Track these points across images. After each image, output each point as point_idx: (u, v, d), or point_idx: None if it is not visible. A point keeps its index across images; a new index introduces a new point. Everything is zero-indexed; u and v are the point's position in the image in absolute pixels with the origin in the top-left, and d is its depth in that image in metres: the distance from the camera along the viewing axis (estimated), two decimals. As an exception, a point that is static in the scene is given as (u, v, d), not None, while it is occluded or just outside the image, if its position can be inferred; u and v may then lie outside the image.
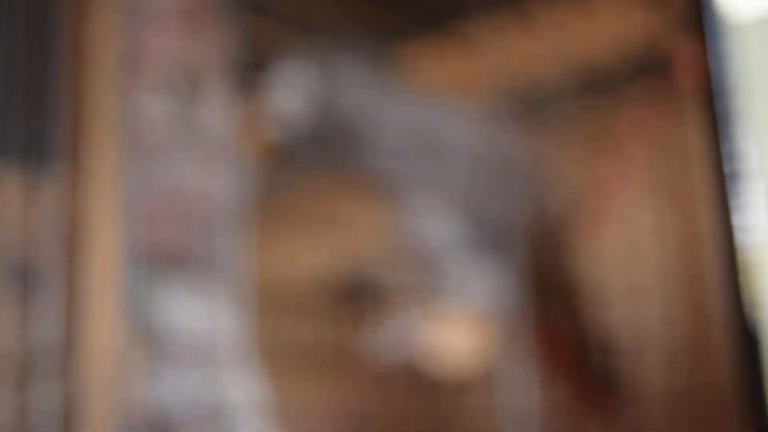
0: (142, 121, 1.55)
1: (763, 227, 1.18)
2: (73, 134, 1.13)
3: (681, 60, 2.16)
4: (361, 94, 1.94)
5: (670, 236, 2.51)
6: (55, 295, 2.18)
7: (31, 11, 1.37)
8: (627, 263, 2.59)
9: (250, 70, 1.28)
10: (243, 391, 1.17)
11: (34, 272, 1.22)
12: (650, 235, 2.48)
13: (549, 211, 1.84)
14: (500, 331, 1.71)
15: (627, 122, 2.30)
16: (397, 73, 1.90)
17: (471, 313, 1.53)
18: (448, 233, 1.81)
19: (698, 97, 2.08)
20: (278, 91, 1.63)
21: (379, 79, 1.96)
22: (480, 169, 1.77)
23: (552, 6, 1.80)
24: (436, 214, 1.82)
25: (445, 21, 2.70)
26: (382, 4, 1.45)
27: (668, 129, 2.27)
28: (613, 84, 2.53)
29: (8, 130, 1.30)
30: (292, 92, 1.41)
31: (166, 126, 1.65)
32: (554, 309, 1.82)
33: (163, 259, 1.72)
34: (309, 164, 2.07)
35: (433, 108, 1.90)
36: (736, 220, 1.21)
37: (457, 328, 1.52)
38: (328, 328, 3.13)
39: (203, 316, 1.69)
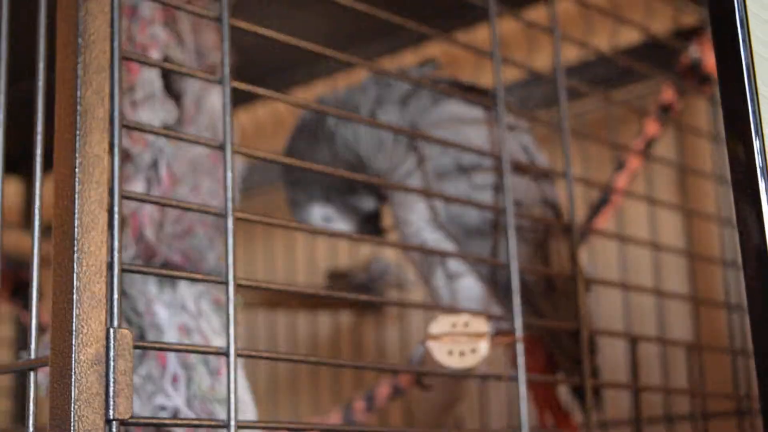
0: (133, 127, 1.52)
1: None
2: (62, 136, 1.11)
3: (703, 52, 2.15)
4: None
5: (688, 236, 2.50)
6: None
7: (21, 8, 1.35)
8: (647, 265, 2.57)
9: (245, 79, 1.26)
10: (233, 387, 1.14)
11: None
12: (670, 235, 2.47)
13: (550, 210, 1.83)
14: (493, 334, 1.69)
15: (644, 119, 2.30)
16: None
17: (460, 314, 1.51)
18: (437, 234, 1.80)
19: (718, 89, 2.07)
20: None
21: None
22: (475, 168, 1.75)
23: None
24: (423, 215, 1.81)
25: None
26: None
27: (686, 122, 2.27)
28: (631, 75, 2.53)
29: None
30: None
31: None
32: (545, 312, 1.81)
33: (151, 262, 1.70)
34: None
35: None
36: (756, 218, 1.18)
37: (445, 329, 1.50)
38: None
39: (193, 317, 1.67)
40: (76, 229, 1.07)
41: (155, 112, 1.64)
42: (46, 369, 1.08)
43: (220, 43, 1.28)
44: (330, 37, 2.68)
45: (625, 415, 2.50)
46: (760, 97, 1.18)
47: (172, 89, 1.92)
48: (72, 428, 1.02)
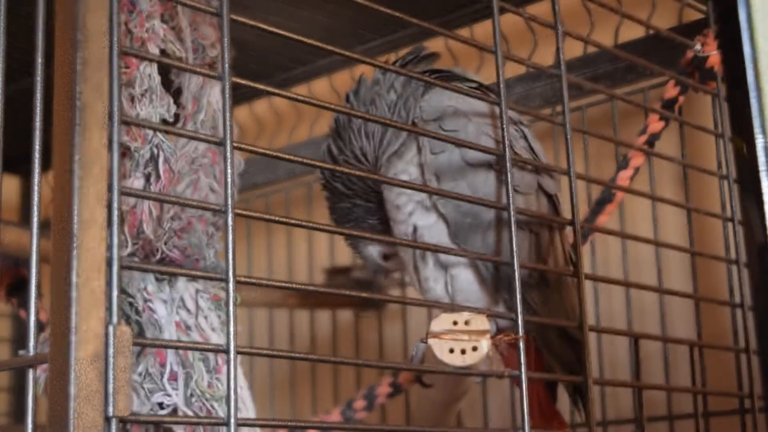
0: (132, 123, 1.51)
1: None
2: (61, 132, 1.10)
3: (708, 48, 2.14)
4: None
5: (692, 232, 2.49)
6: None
7: (19, 3, 1.34)
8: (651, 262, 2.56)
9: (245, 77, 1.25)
10: (233, 385, 1.14)
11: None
12: (672, 232, 2.47)
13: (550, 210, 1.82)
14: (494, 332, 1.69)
15: (650, 114, 2.29)
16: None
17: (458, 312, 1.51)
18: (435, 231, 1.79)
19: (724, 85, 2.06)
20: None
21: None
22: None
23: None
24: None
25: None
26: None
27: (692, 118, 2.26)
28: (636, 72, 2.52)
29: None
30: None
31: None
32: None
33: (150, 259, 1.69)
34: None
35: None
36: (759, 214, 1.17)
37: (443, 327, 1.49)
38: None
39: (192, 315, 1.66)
40: (74, 226, 1.06)
41: (154, 108, 1.63)
42: (46, 366, 1.07)
43: (220, 37, 1.27)
44: (331, 32, 2.67)
45: (628, 414, 2.49)
46: (764, 93, 1.17)
47: (171, 84, 1.92)
48: (71, 426, 1.01)
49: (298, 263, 3.24)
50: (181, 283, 1.66)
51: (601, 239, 2.62)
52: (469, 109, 1.76)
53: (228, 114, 1.21)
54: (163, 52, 1.71)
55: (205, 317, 1.65)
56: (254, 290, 2.54)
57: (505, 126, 1.49)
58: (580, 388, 1.83)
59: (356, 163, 1.89)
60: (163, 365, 1.58)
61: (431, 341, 1.48)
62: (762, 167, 1.17)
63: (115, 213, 1.09)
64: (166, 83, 1.77)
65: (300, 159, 1.31)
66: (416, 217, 1.80)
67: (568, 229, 1.80)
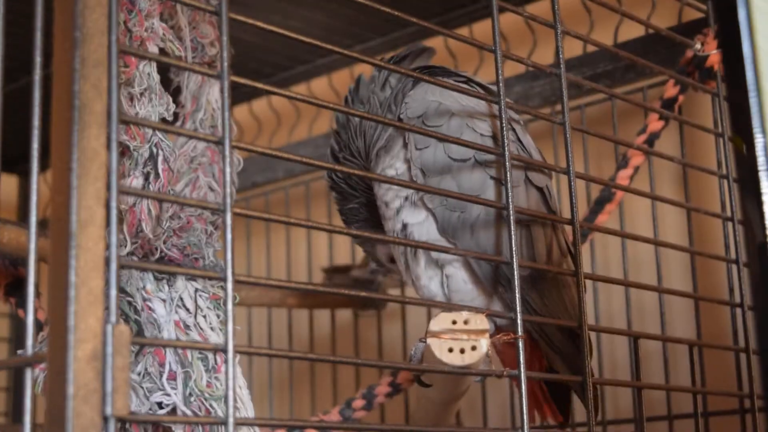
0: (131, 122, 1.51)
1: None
2: (59, 131, 1.09)
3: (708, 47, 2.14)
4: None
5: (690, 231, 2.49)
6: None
7: (18, 1, 1.34)
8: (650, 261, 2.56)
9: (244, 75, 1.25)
10: (231, 384, 1.13)
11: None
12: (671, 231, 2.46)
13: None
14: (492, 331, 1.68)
15: (650, 112, 2.29)
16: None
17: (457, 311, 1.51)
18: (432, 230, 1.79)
19: (723, 83, 2.06)
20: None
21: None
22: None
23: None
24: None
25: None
26: None
27: (691, 117, 2.26)
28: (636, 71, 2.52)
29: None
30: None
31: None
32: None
33: (149, 258, 1.69)
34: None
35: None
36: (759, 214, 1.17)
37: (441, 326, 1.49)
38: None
39: (191, 314, 1.66)
40: (73, 225, 1.05)
41: (153, 106, 1.63)
42: (44, 365, 1.07)
43: (219, 36, 1.27)
44: (330, 31, 2.67)
45: (627, 414, 2.49)
46: (763, 93, 1.17)
47: (170, 83, 1.92)
48: (69, 425, 1.01)
49: (298, 262, 3.24)
50: (180, 282, 1.66)
51: (601, 238, 2.62)
52: (453, 104, 1.76)
53: (227, 113, 1.20)
54: (162, 50, 1.71)
55: (204, 316, 1.65)
56: (253, 289, 2.54)
57: (504, 125, 1.49)
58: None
59: (353, 161, 1.89)
60: (162, 364, 1.58)
61: (430, 341, 1.48)
62: (762, 167, 1.17)
63: (114, 212, 1.09)
64: (166, 82, 1.77)
65: (298, 158, 1.31)
66: (404, 214, 1.80)
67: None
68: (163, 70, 1.70)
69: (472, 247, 1.72)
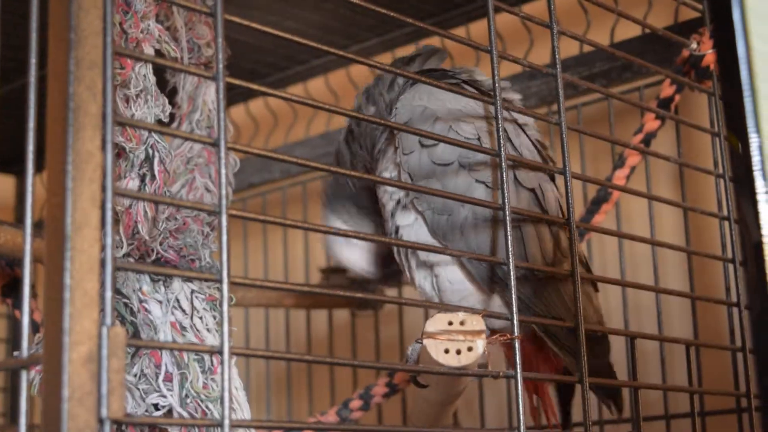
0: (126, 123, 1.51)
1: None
2: (54, 133, 1.09)
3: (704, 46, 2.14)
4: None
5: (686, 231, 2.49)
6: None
7: (12, 3, 1.34)
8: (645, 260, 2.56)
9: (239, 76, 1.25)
10: (227, 386, 1.13)
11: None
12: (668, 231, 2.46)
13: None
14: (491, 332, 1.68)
15: (645, 112, 2.29)
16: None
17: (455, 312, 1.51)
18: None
19: (718, 83, 2.06)
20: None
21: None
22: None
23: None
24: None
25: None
26: None
27: (687, 116, 2.26)
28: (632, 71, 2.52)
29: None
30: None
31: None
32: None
33: (145, 259, 1.69)
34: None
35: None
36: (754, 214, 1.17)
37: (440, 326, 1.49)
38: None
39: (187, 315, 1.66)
40: (68, 227, 1.05)
41: (149, 108, 1.63)
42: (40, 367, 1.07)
43: (214, 37, 1.27)
44: (326, 31, 2.67)
45: (624, 413, 2.49)
46: (758, 93, 1.17)
47: (166, 84, 1.91)
48: (64, 427, 1.01)
49: (295, 262, 3.24)
50: (177, 283, 1.66)
51: (598, 238, 2.62)
52: (438, 108, 1.76)
53: (222, 114, 1.20)
54: (158, 52, 1.71)
55: (201, 318, 1.65)
56: (250, 290, 2.54)
57: (500, 126, 1.49)
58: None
59: (364, 154, 1.91)
60: (158, 366, 1.58)
61: (426, 341, 1.48)
62: (757, 165, 1.17)
63: (109, 214, 1.09)
64: (162, 83, 1.77)
65: (294, 159, 1.31)
66: (397, 217, 1.81)
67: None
68: (160, 71, 1.70)
69: (462, 248, 1.73)
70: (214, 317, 1.66)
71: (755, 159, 1.17)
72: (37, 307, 2.25)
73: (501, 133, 1.49)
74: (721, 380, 2.26)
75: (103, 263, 1.08)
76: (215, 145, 1.20)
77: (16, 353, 1.15)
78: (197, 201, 1.83)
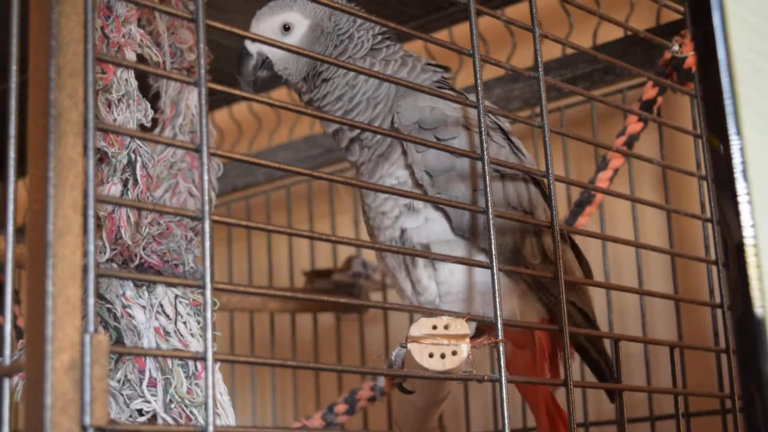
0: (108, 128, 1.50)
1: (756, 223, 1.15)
2: (36, 139, 1.09)
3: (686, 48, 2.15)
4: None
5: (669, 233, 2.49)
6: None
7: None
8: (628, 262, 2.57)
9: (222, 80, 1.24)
10: (211, 392, 1.13)
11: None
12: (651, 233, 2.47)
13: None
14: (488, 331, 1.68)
15: (629, 115, 2.29)
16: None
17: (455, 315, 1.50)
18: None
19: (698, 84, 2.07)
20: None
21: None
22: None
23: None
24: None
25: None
26: None
27: (669, 118, 2.26)
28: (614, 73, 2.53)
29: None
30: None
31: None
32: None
33: (128, 264, 1.69)
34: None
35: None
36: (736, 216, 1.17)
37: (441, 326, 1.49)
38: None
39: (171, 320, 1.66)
40: (49, 234, 1.05)
41: (131, 112, 1.62)
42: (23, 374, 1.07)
43: (196, 42, 1.26)
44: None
45: (609, 416, 2.50)
46: (738, 97, 1.17)
47: (149, 89, 1.91)
48: (47, 435, 1.01)
49: (279, 266, 3.24)
50: (160, 288, 1.66)
51: (581, 240, 2.62)
52: (445, 107, 1.76)
53: (204, 120, 1.20)
54: (140, 56, 1.70)
55: (185, 323, 1.65)
56: (235, 294, 2.54)
57: (483, 129, 1.49)
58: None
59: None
60: (142, 372, 1.58)
61: (411, 346, 1.48)
62: (737, 167, 1.18)
63: (91, 221, 1.08)
64: (144, 87, 1.77)
65: (276, 165, 1.30)
66: (403, 219, 1.79)
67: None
68: (142, 75, 1.70)
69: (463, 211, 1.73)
70: (198, 322, 1.66)
71: (736, 159, 1.17)
72: (21, 313, 2.24)
73: (484, 136, 1.49)
74: (706, 381, 2.27)
75: (85, 270, 1.07)
76: (198, 151, 1.20)
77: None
78: (181, 206, 1.83)
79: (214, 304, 1.17)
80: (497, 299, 1.43)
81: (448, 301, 1.76)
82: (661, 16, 2.51)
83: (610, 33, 2.54)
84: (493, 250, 1.45)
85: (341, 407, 2.36)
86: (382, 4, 2.52)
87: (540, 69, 1.59)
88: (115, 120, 1.60)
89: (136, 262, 1.68)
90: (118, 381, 1.57)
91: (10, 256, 1.13)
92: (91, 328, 1.06)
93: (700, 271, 2.36)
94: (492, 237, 1.45)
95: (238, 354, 1.25)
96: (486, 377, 1.43)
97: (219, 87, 1.24)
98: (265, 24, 1.86)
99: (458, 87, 2.83)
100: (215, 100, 2.95)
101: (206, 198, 1.19)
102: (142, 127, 1.66)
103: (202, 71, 1.21)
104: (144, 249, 1.68)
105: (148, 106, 1.67)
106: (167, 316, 1.63)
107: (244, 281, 3.20)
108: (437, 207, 1.77)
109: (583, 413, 2.46)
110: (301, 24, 1.85)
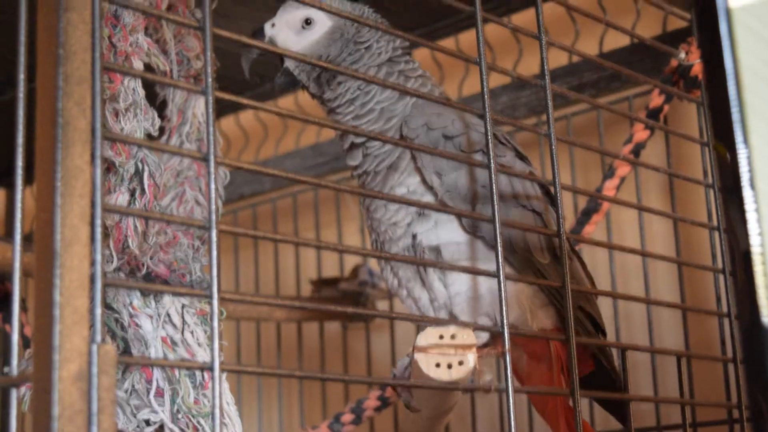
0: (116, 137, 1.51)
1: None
2: (43, 148, 1.09)
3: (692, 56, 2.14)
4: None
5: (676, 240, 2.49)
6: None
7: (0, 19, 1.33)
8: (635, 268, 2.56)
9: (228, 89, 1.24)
10: (218, 402, 1.13)
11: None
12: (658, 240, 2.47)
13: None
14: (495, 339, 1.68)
15: (634, 122, 2.29)
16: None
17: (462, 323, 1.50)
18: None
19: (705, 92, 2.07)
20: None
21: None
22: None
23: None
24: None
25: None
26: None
27: (676, 127, 2.26)
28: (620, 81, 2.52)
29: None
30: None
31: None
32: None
33: (135, 274, 1.69)
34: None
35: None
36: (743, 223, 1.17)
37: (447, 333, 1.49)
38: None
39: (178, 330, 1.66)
40: (57, 244, 1.05)
41: (138, 122, 1.62)
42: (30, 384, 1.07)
43: (203, 50, 1.27)
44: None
45: (616, 425, 2.49)
46: (746, 106, 1.17)
47: (156, 97, 1.91)
48: (54, 446, 1.01)
49: (286, 274, 3.23)
50: (167, 298, 1.66)
51: (588, 249, 2.62)
52: (451, 113, 1.76)
53: (211, 129, 1.20)
54: (147, 65, 1.70)
55: (192, 332, 1.64)
56: (241, 303, 2.54)
57: (489, 137, 1.49)
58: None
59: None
60: (149, 381, 1.58)
61: (417, 356, 1.48)
62: (745, 176, 1.17)
63: (98, 230, 1.08)
64: (151, 96, 1.77)
65: (284, 174, 1.30)
66: (414, 225, 1.78)
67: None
68: (149, 84, 1.70)
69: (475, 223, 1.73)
70: (205, 331, 1.66)
71: (743, 166, 1.17)
72: (28, 322, 2.24)
73: (491, 143, 1.49)
74: (713, 391, 2.26)
75: (92, 280, 1.07)
76: (205, 159, 1.20)
77: (6, 369, 1.14)
78: (187, 214, 1.83)
79: (221, 313, 1.17)
80: (504, 308, 1.42)
81: (459, 301, 1.75)
82: (667, 24, 2.50)
83: (617, 40, 2.54)
84: (499, 259, 1.44)
85: (348, 417, 2.36)
86: (388, 12, 2.52)
87: (547, 77, 1.59)
88: (122, 129, 1.60)
89: (144, 272, 1.68)
90: (126, 391, 1.57)
91: (17, 264, 1.13)
92: (99, 338, 1.06)
93: (707, 279, 2.36)
94: (498, 244, 1.45)
95: (245, 364, 1.24)
96: (493, 387, 1.42)
97: (226, 96, 1.24)
98: (288, 15, 1.86)
99: (464, 94, 2.83)
100: (222, 108, 2.95)
101: (213, 207, 1.18)
102: (149, 135, 1.66)
103: (209, 80, 1.21)
104: (151, 258, 1.68)
105: (155, 115, 1.67)
106: (174, 325, 1.63)
107: (250, 289, 3.20)
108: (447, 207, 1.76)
109: (590, 423, 2.45)
110: (323, 23, 1.84)
